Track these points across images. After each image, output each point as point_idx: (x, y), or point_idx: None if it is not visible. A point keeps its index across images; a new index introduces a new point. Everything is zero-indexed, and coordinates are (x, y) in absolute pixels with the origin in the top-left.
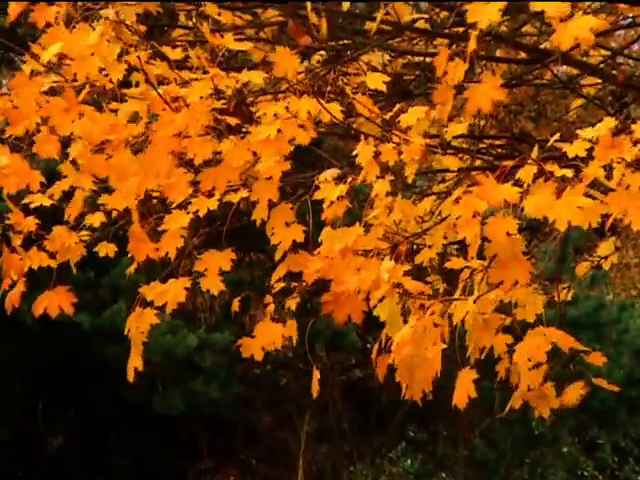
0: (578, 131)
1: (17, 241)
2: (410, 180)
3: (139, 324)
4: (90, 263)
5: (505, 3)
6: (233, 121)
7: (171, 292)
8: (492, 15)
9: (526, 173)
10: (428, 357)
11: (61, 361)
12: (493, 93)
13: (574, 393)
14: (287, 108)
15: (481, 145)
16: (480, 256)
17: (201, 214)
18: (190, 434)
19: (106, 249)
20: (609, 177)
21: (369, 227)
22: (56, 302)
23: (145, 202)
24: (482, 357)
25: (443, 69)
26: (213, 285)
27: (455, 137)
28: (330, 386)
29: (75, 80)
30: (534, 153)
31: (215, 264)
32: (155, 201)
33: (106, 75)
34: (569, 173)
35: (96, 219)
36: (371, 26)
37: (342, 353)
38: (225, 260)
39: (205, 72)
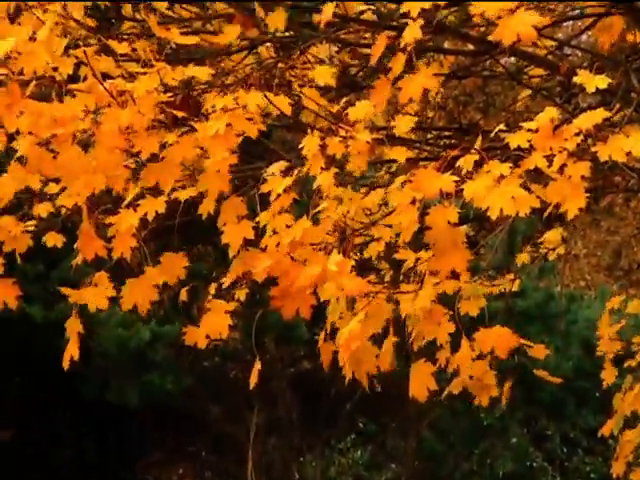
0: (522, 123)
1: None
2: (357, 174)
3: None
4: (39, 256)
5: None
6: (180, 114)
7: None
8: (426, 4)
9: (467, 161)
10: (383, 351)
11: (11, 353)
12: (425, 82)
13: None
14: (236, 101)
15: (429, 136)
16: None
17: (149, 217)
18: (140, 426)
19: (54, 239)
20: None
21: (317, 219)
22: (0, 294)
23: (92, 195)
24: (423, 346)
25: (378, 57)
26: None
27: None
28: (279, 378)
29: (22, 74)
30: (477, 143)
31: (171, 270)
32: (103, 193)
33: (55, 69)
34: (506, 170)
35: (43, 209)
36: (319, 19)
37: (291, 345)
38: (179, 267)
39: (152, 65)
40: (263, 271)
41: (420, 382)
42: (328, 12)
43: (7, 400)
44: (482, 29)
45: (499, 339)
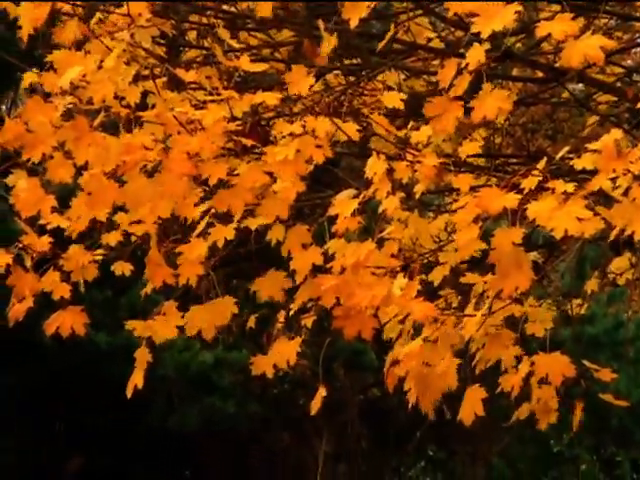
0: (587, 144)
1: (29, 262)
2: (417, 196)
3: (154, 337)
4: (108, 283)
5: (514, 16)
6: (248, 142)
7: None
8: (496, 26)
9: (530, 181)
10: (441, 371)
11: (78, 380)
12: (500, 103)
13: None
14: (304, 127)
15: (497, 162)
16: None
17: (219, 244)
18: (207, 453)
19: (122, 268)
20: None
21: (382, 242)
22: (68, 322)
23: (162, 223)
24: (489, 369)
25: (448, 82)
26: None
27: (470, 156)
28: (348, 405)
29: (91, 103)
30: (541, 164)
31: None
32: (172, 222)
33: (122, 99)
34: (571, 188)
35: (112, 238)
36: (385, 46)
37: (360, 372)
38: (225, 313)
39: (219, 93)
40: (329, 291)
41: (470, 407)
42: (386, 39)
43: (74, 431)
44: (550, 56)
45: (555, 365)
